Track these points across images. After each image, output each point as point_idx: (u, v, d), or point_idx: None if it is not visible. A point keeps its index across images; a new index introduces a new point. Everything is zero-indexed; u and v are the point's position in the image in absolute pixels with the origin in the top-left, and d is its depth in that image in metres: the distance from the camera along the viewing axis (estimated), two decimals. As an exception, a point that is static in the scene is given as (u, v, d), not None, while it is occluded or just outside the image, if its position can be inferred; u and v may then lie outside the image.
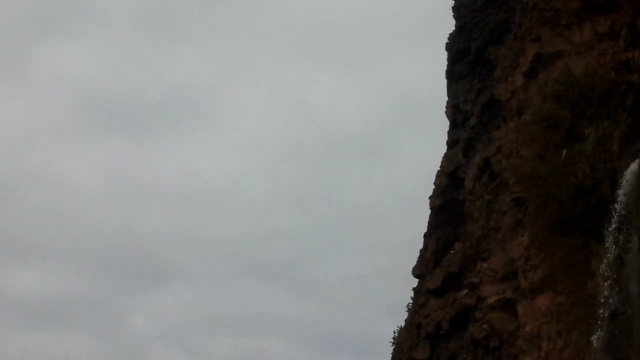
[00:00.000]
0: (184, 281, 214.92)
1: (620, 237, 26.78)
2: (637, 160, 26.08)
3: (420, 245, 48.14)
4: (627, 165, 26.60)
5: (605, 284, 27.25)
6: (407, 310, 49.95)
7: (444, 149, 46.12)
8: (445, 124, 46.25)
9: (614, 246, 27.00)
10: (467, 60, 43.36)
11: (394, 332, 51.91)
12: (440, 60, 46.53)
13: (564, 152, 29.83)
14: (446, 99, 45.85)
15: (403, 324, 50.01)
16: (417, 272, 49.00)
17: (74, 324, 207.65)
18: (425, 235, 47.57)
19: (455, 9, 44.49)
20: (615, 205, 26.88)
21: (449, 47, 45.31)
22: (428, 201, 46.84)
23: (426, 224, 47.51)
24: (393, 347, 51.44)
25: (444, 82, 46.17)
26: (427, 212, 47.02)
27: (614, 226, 26.93)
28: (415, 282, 49.51)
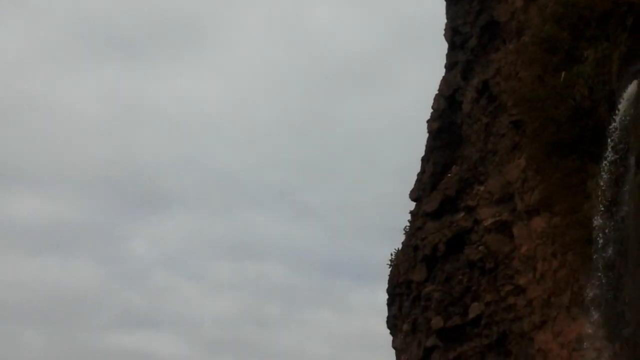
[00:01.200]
0: (184, 208, 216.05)
1: (617, 158, 26.83)
2: (636, 82, 25.91)
3: (418, 169, 48.36)
4: (626, 87, 26.44)
5: (601, 206, 27.46)
6: (404, 233, 50.46)
7: (442, 72, 45.89)
8: (444, 46, 45.91)
9: (610, 168, 27.08)
10: (466, -19, 42.80)
11: (391, 254, 52.58)
12: (439, -18, 46.00)
13: (563, 74, 29.66)
14: (445, 21, 45.38)
15: (400, 247, 50.65)
16: (414, 195, 49.32)
17: (75, 251, 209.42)
18: (423, 159, 47.72)
19: None
20: (613, 127, 26.86)
21: (447, -32, 44.68)
22: (426, 125, 46.88)
23: (424, 148, 47.66)
24: (390, 269, 52.20)
25: (443, 4, 45.67)
26: (425, 136, 47.09)
27: (611, 148, 26.95)
28: (412, 205, 49.90)
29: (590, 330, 28.99)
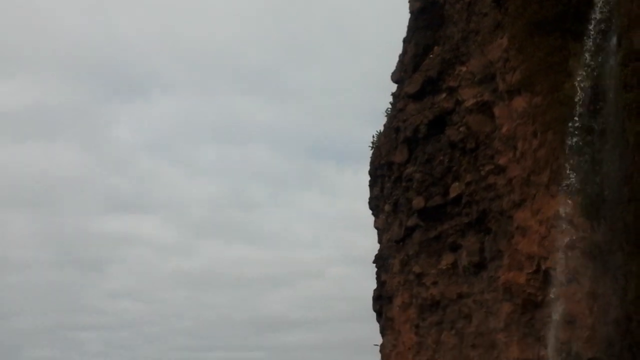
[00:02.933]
0: (167, 92, 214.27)
1: (599, 36, 26.64)
2: (621, -43, 25.43)
3: (400, 51, 47.91)
4: (610, -38, 25.98)
5: (582, 84, 27.47)
6: (386, 115, 50.50)
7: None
8: None
9: (592, 46, 26.93)
10: None
11: (373, 137, 52.80)
12: None
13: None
14: None
15: (382, 129, 50.76)
16: (396, 77, 49.05)
17: (58, 135, 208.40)
18: (405, 40, 47.19)
19: None
20: (596, 5, 26.54)
21: None
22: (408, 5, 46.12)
23: (406, 29, 47.05)
24: (372, 151, 52.51)
25: None
26: (408, 16, 46.41)
27: (593, 25, 26.71)
28: (394, 87, 49.69)
29: (568, 208, 29.55)
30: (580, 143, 28.00)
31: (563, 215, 29.90)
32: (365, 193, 53.82)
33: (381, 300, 51.60)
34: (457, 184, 40.21)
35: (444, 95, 42.02)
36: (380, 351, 52.68)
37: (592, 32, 27.04)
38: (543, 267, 32.90)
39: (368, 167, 53.02)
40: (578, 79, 27.45)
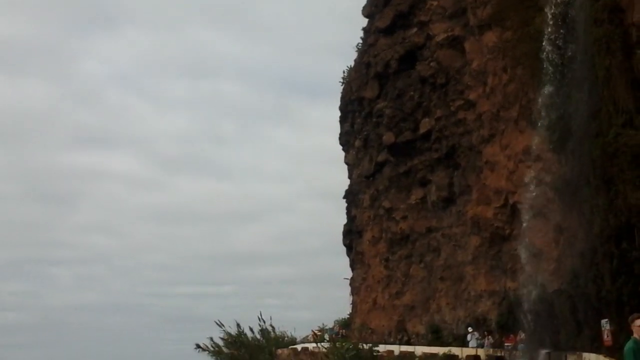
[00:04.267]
0: (136, 25, 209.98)
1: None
2: None
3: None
4: None
5: (552, 19, 27.36)
6: (357, 51, 50.18)
7: None
8: None
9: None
10: None
11: (343, 72, 52.57)
12: None
13: None
14: None
15: (352, 64, 50.49)
16: (367, 11, 48.62)
17: (25, 70, 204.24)
18: (375, -27, 46.60)
19: None
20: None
21: None
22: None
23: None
24: (342, 87, 52.33)
25: None
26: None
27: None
28: (365, 22, 49.27)
29: (537, 143, 29.79)
30: (550, 78, 28.04)
31: (531, 150, 30.14)
32: (336, 128, 53.97)
33: (351, 235, 52.15)
34: (427, 119, 40.33)
35: (414, 30, 41.80)
36: (350, 284, 53.47)
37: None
38: (511, 202, 33.36)
39: (338, 103, 52.99)
40: (548, 13, 27.32)
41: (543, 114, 28.72)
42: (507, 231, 33.83)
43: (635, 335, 12.16)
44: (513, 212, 33.19)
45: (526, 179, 30.51)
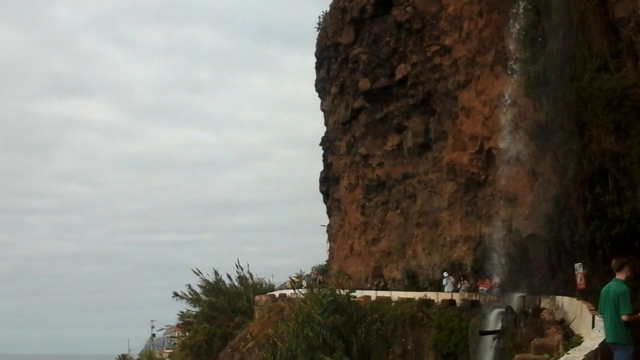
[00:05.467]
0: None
1: None
2: None
3: None
4: None
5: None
6: (332, -5, 49.49)
7: None
8: None
9: None
10: None
11: (319, 17, 51.92)
12: None
13: None
14: None
15: (328, 9, 49.87)
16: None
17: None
18: None
19: None
20: None
21: None
22: None
23: None
24: (318, 32, 51.75)
25: None
26: None
27: None
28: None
29: (512, 88, 29.76)
30: (525, 23, 27.87)
31: (506, 95, 30.14)
32: (312, 75, 53.55)
33: (328, 182, 52.20)
34: (402, 65, 40.06)
35: (390, -23, 41.23)
36: (327, 231, 53.73)
37: None
38: (486, 147, 33.45)
39: (314, 49, 52.47)
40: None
41: (518, 59, 28.65)
42: (483, 177, 33.99)
43: (619, 277, 12.29)
44: (488, 158, 33.31)
45: (501, 125, 30.58)
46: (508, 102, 30.09)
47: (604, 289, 12.55)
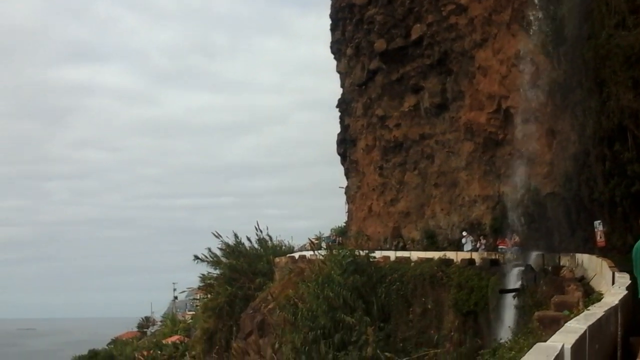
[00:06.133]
0: None
1: None
2: None
3: None
4: None
5: None
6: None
7: None
8: None
9: None
10: None
11: (333, -22, 51.49)
12: None
13: None
14: None
15: (342, -31, 49.44)
16: None
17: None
18: None
19: None
20: None
21: None
22: None
23: None
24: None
25: None
26: None
27: None
28: None
29: (529, 46, 29.58)
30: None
31: (524, 53, 29.97)
32: (327, 37, 53.28)
33: (345, 144, 52.24)
34: (418, 25, 39.80)
35: None
36: (346, 193, 53.91)
37: None
38: (504, 106, 33.35)
39: (329, 11, 52.16)
40: None
41: (535, 16, 28.45)
42: (501, 136, 33.95)
43: None
44: (506, 117, 33.24)
45: (519, 83, 30.46)
46: (525, 60, 29.94)
47: (634, 247, 12.57)
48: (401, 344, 31.64)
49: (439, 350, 29.46)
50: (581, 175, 24.77)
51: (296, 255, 49.74)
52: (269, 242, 57.02)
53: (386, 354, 30.49)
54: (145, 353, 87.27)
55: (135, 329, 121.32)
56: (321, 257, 39.57)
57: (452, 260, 32.84)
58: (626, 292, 12.62)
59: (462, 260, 32.00)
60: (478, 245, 34.14)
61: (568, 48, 25.74)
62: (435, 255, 34.68)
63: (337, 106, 52.78)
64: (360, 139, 48.36)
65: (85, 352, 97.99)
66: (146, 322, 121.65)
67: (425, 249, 38.23)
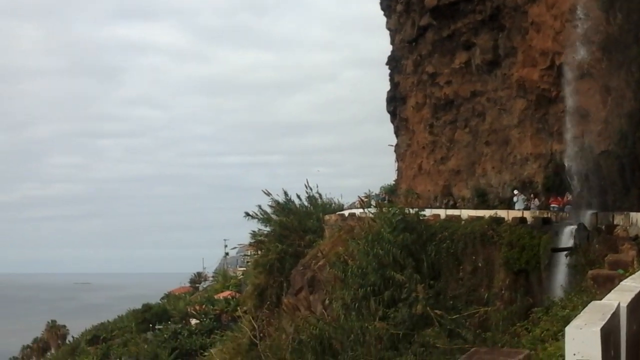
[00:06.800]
0: None
1: None
2: None
3: None
4: None
5: None
6: None
7: None
8: None
9: None
10: None
11: None
12: None
13: None
14: None
15: None
16: None
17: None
18: None
19: None
20: None
21: None
22: None
23: None
24: (382, -52, 50.74)
25: None
26: None
27: None
28: None
29: (584, 0, 28.97)
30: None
31: (578, 8, 29.38)
32: (377, -7, 52.68)
33: (395, 102, 51.96)
34: (470, -20, 39.17)
35: None
36: (395, 151, 53.78)
37: None
38: (557, 63, 32.78)
39: (379, -34, 51.55)
40: None
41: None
42: (554, 93, 33.45)
43: None
44: (559, 74, 32.70)
45: (573, 39, 29.91)
46: (580, 15, 29.35)
47: None
48: (451, 302, 31.74)
49: (490, 309, 29.52)
50: (636, 132, 24.41)
51: (346, 213, 49.96)
52: (319, 199, 57.32)
53: (436, 311, 30.61)
54: (197, 308, 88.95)
55: (188, 284, 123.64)
56: (371, 215, 39.68)
57: (503, 218, 32.69)
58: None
59: (514, 218, 31.85)
60: (530, 203, 33.91)
61: (624, 3, 25.19)
62: (486, 213, 34.55)
63: (386, 63, 52.45)
64: (410, 96, 48.07)
65: (139, 306, 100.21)
66: (198, 278, 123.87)
67: (475, 208, 38.10)
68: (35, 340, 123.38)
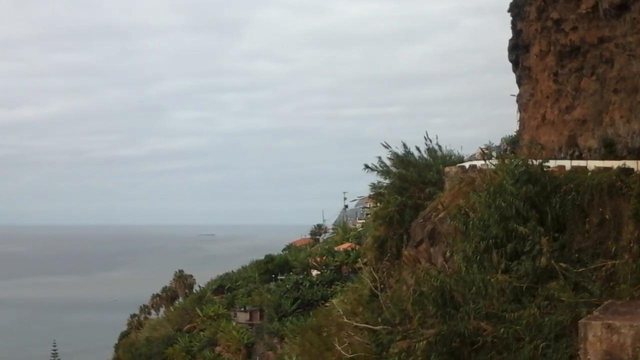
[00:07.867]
0: None
1: None
2: None
3: None
4: None
5: None
6: None
7: None
8: None
9: None
10: None
11: None
12: None
13: None
14: None
15: None
16: None
17: None
18: None
19: None
20: None
21: None
22: None
23: None
24: None
25: None
26: None
27: None
28: None
29: None
30: None
31: None
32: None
33: (517, 50, 50.51)
34: None
35: None
36: (517, 101, 52.44)
37: None
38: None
39: None
40: None
41: None
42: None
43: None
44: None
45: None
46: None
47: None
48: (576, 255, 31.07)
49: (617, 262, 28.74)
50: None
51: (466, 164, 49.33)
52: (438, 151, 56.83)
53: (561, 264, 30.05)
54: (318, 259, 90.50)
55: (308, 236, 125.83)
56: (492, 167, 39.07)
57: (633, 169, 31.55)
58: None
59: (644, 169, 30.70)
60: (661, 152, 32.54)
61: None
62: (614, 164, 33.39)
63: (508, 10, 50.94)
64: (534, 44, 46.62)
65: (262, 257, 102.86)
66: (318, 230, 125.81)
67: (602, 158, 36.85)
68: (165, 289, 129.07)
